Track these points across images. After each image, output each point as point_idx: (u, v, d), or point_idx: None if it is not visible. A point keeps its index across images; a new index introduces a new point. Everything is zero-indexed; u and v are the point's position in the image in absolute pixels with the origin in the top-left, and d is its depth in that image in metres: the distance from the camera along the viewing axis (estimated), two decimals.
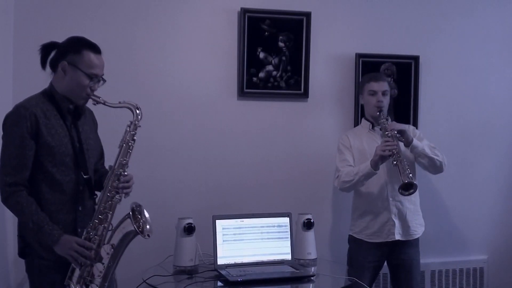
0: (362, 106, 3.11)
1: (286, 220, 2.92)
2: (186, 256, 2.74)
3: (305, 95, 3.33)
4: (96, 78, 2.19)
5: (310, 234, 2.96)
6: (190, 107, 3.18)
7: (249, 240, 2.85)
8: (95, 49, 2.20)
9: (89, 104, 2.32)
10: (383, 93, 2.94)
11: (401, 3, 3.48)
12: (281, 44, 3.28)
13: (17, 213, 2.13)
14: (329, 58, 3.38)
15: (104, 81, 2.24)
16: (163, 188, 3.10)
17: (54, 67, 2.21)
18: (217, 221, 2.81)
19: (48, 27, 2.94)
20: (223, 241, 2.80)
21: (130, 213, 2.16)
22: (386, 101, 2.96)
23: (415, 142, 2.84)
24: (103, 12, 3.04)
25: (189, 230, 2.76)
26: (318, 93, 3.36)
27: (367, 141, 2.95)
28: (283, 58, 3.29)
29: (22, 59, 2.91)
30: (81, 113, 2.27)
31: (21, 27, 2.92)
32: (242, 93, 3.24)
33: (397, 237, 2.89)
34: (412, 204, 2.94)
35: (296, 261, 2.89)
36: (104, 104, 2.21)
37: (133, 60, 3.07)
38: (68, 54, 2.17)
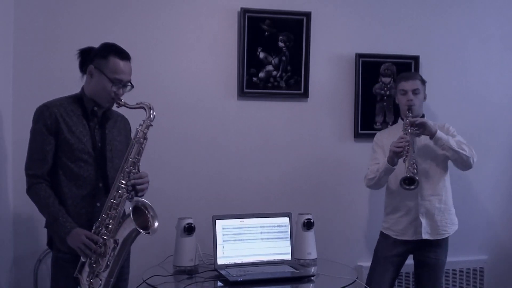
0: (397, 106, 3.10)
1: (286, 220, 2.92)
2: (186, 256, 2.74)
3: (305, 95, 3.33)
4: (120, 83, 2.27)
5: (310, 234, 2.96)
6: (190, 107, 3.18)
7: (249, 240, 2.85)
8: (122, 55, 2.29)
9: (124, 112, 2.40)
10: (414, 92, 2.94)
11: (401, 3, 3.48)
12: (281, 44, 3.28)
13: (36, 204, 2.24)
14: (329, 58, 3.38)
15: (132, 86, 2.33)
16: (163, 188, 3.10)
17: (84, 70, 2.32)
18: (217, 221, 2.80)
19: (48, 27, 2.95)
20: (223, 241, 2.80)
21: (131, 211, 2.17)
22: (417, 100, 2.95)
23: (439, 134, 2.83)
24: (103, 12, 3.04)
25: (189, 230, 2.76)
26: (318, 93, 3.36)
27: None
28: (283, 58, 3.29)
29: (22, 59, 2.91)
30: (109, 116, 2.36)
31: (21, 27, 2.92)
32: (242, 93, 3.24)
33: (425, 236, 2.90)
34: (442, 203, 2.93)
35: (296, 261, 2.89)
36: (124, 106, 2.29)
37: (132, 60, 3.06)
38: (96, 58, 2.27)
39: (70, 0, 3.00)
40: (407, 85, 2.96)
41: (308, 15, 3.29)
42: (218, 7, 3.20)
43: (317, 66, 3.35)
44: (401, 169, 2.79)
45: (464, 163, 2.91)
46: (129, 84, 2.32)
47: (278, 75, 3.29)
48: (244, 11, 3.19)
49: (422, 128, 2.83)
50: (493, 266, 3.67)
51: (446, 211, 2.96)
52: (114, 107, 2.37)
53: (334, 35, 3.38)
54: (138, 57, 3.06)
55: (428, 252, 2.95)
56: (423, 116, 3.02)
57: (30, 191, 2.23)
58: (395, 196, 2.97)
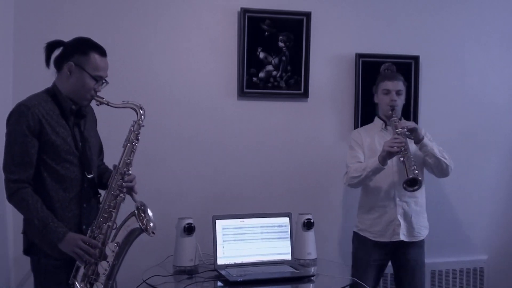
0: (376, 104, 3.10)
1: (286, 220, 2.92)
2: (186, 256, 2.74)
3: (305, 95, 3.33)
4: (101, 80, 2.22)
5: (310, 234, 2.96)
6: (190, 107, 3.18)
7: (249, 240, 2.85)
8: (101, 51, 2.22)
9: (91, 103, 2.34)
10: (397, 93, 2.94)
11: (401, 3, 3.48)
12: (281, 44, 3.28)
13: (22, 210, 2.13)
14: (329, 58, 3.38)
15: (107, 82, 2.26)
16: (163, 188, 3.10)
17: (59, 67, 2.22)
18: (217, 221, 2.80)
19: (48, 27, 2.94)
20: (223, 241, 2.80)
21: (135, 211, 2.17)
22: (399, 101, 2.96)
23: (425, 140, 2.84)
24: (103, 12, 3.04)
25: (189, 230, 2.76)
26: (318, 93, 3.36)
27: (378, 140, 2.94)
28: (283, 58, 3.29)
29: (22, 59, 2.92)
30: (84, 113, 2.29)
31: (21, 27, 2.92)
32: (242, 93, 3.24)
33: (402, 237, 2.88)
34: (418, 206, 2.93)
35: (296, 261, 2.88)
36: (107, 104, 2.23)
37: (133, 60, 3.07)
38: (75, 55, 2.19)
39: (70, 0, 3.00)
40: (391, 84, 2.94)
41: (308, 15, 3.29)
42: (218, 7, 3.20)
43: (317, 66, 3.35)
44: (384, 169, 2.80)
45: (443, 171, 2.91)
46: (105, 80, 2.24)
47: (278, 75, 3.29)
48: (244, 11, 3.19)
49: (412, 133, 2.81)
50: (493, 266, 3.67)
51: (421, 214, 2.96)
52: (93, 105, 2.32)
53: (334, 35, 3.38)
54: (138, 57, 3.09)
55: (406, 254, 2.93)
56: (401, 118, 2.99)
57: (14, 197, 2.10)
58: (372, 195, 2.95)
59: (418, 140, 2.84)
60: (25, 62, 2.92)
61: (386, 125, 3.00)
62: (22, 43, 2.92)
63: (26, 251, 2.22)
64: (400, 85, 2.97)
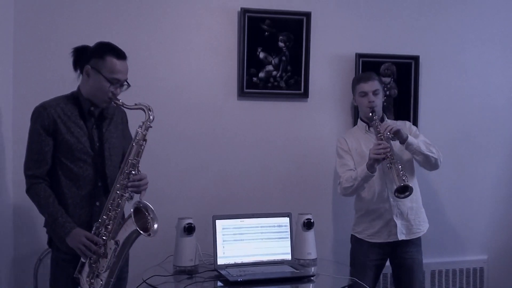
0: (356, 107, 3.11)
1: (286, 220, 2.92)
2: (186, 256, 2.75)
3: (305, 95, 3.33)
4: (118, 82, 2.27)
5: (310, 234, 2.96)
6: (190, 107, 3.18)
7: (249, 240, 2.85)
8: (119, 54, 2.28)
9: None
10: (374, 93, 2.91)
11: (401, 3, 3.48)
12: (281, 44, 3.28)
13: (36, 204, 2.25)
14: (329, 58, 3.38)
15: (129, 85, 2.32)
16: (163, 188, 3.10)
17: (81, 70, 2.32)
18: (217, 221, 2.81)
19: (48, 27, 2.95)
20: (223, 241, 2.80)
21: (132, 212, 2.17)
22: (378, 100, 2.93)
23: (410, 139, 2.82)
24: (102, 13, 3.04)
25: (189, 230, 2.77)
26: (318, 93, 3.36)
27: (365, 143, 2.94)
28: (283, 58, 3.29)
29: (22, 59, 2.92)
30: (105, 115, 2.36)
31: (21, 27, 2.92)
32: (242, 93, 3.24)
33: (401, 237, 2.88)
34: (413, 202, 2.92)
35: (296, 261, 2.89)
36: (122, 106, 2.30)
37: (133, 61, 3.03)
38: (92, 58, 2.27)
39: (70, 0, 3.01)
40: (366, 86, 2.92)
41: (308, 15, 3.29)
42: (218, 7, 3.20)
43: (317, 66, 3.35)
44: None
45: (432, 165, 2.90)
46: (126, 83, 2.31)
47: (278, 75, 3.29)
48: (244, 11, 3.19)
49: (396, 135, 2.80)
50: (493, 266, 3.67)
51: (418, 209, 2.96)
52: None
53: (334, 35, 3.38)
54: (138, 57, 3.09)
55: (404, 253, 2.93)
56: (383, 116, 3.00)
57: (30, 191, 2.24)
58: (366, 199, 2.94)
59: (403, 141, 2.82)
60: (25, 62, 2.92)
61: (369, 126, 2.99)
62: (22, 43, 2.92)
63: (49, 243, 2.34)
64: (376, 84, 2.94)
